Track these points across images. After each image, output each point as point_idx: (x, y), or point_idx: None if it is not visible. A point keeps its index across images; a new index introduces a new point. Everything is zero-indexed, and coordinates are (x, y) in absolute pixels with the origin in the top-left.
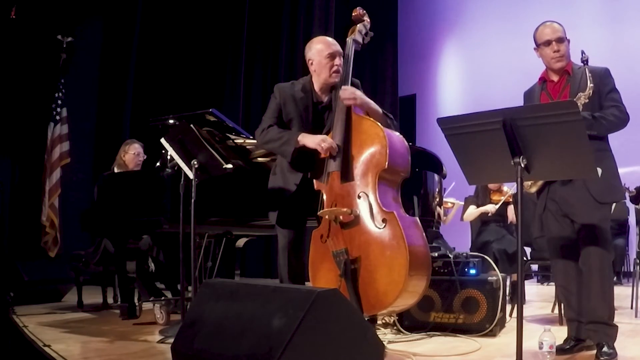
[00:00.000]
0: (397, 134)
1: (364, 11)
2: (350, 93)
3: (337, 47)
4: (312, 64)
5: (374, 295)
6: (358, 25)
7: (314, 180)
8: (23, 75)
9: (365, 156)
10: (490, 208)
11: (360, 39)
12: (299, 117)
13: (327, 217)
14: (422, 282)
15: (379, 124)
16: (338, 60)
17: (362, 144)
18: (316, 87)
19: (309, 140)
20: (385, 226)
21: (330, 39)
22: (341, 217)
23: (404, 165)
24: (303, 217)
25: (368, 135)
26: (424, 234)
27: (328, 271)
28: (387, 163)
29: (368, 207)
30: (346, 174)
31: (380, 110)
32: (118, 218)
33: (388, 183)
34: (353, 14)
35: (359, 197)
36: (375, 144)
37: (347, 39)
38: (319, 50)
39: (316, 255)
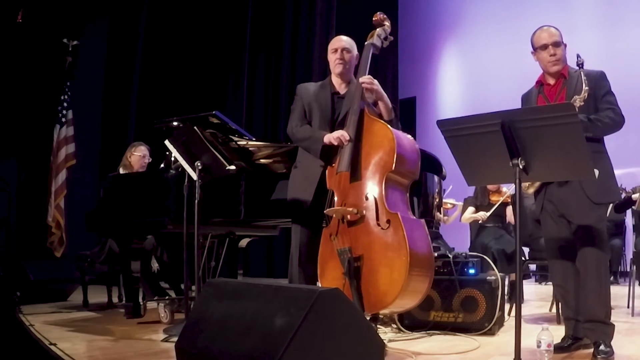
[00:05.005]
0: (408, 136)
1: (385, 16)
2: (368, 78)
3: (342, 43)
4: (328, 60)
5: (375, 294)
6: (378, 29)
7: (328, 180)
8: (29, 78)
9: (374, 157)
10: (482, 215)
11: (378, 43)
12: (318, 107)
13: (334, 215)
14: (423, 284)
15: (389, 127)
16: (339, 54)
17: (371, 146)
18: (333, 80)
19: (327, 139)
20: (388, 227)
21: (340, 37)
22: (348, 216)
23: (412, 168)
24: (319, 217)
25: (378, 137)
26: (429, 238)
27: (335, 269)
28: (394, 165)
29: (374, 207)
30: (355, 174)
31: (390, 104)
32: (123, 218)
33: (396, 184)
34: (374, 19)
35: (366, 197)
36: (384, 145)
37: (366, 42)
38: (329, 47)
39: (325, 253)
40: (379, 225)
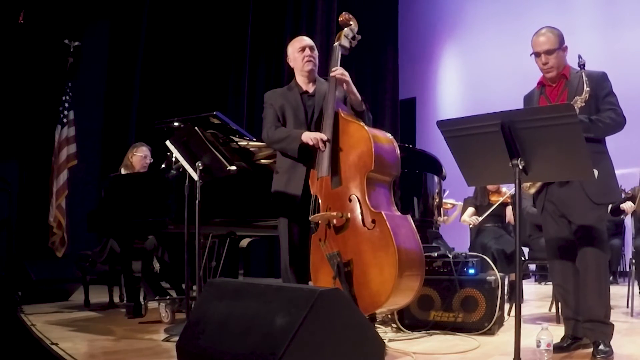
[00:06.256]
0: (387, 134)
1: (350, 15)
2: (340, 69)
3: (308, 42)
4: (290, 61)
5: (368, 295)
6: (344, 30)
7: (311, 186)
8: (31, 79)
9: (352, 159)
10: (474, 220)
11: (347, 44)
12: (290, 108)
13: (320, 221)
14: (414, 280)
15: (364, 126)
16: (308, 52)
17: (349, 148)
18: (299, 81)
19: (305, 137)
20: (374, 227)
21: (303, 37)
22: (334, 221)
23: (392, 165)
24: (306, 217)
25: (354, 138)
26: (416, 233)
27: (327, 274)
28: (373, 164)
29: (358, 209)
30: (336, 178)
31: (359, 96)
32: (124, 218)
33: (377, 183)
34: (339, 19)
35: (350, 200)
36: (361, 146)
37: (334, 44)
38: (292, 47)
39: (316, 259)
40: (365, 226)
